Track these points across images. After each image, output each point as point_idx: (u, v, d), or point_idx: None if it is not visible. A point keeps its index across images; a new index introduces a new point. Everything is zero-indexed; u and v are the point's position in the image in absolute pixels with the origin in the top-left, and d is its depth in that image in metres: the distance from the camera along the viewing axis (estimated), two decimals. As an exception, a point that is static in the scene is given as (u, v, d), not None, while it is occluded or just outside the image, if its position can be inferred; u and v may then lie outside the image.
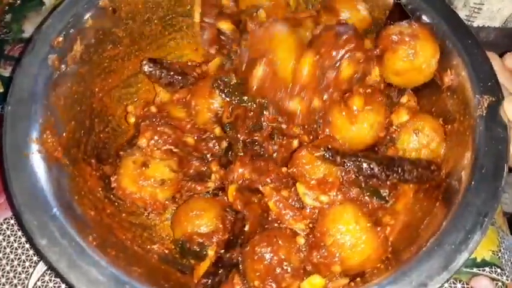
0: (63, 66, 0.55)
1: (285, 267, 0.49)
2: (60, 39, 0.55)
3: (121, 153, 0.59)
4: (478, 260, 0.56)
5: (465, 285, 0.55)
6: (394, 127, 0.57)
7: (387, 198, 0.54)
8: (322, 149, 0.52)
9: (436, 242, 0.45)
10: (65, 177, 0.51)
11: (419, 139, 0.54)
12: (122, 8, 0.61)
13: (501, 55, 0.57)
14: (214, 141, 0.61)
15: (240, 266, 0.51)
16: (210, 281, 0.48)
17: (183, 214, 0.55)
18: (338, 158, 0.52)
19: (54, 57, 0.54)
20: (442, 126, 0.55)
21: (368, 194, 0.53)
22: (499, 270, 0.56)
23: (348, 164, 0.52)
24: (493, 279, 0.55)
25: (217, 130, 0.61)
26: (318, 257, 0.49)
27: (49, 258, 0.43)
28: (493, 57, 0.54)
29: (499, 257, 0.57)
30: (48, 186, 0.48)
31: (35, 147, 0.50)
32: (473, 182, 0.47)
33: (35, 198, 0.46)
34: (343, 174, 0.53)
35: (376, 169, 0.52)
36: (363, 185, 0.53)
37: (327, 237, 0.49)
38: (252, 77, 0.58)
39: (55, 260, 0.43)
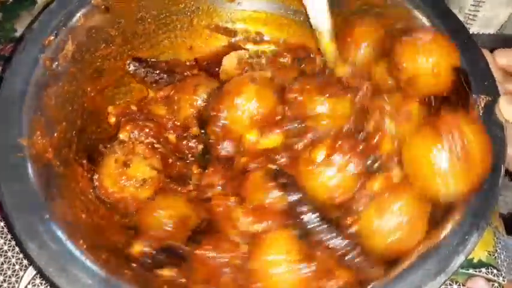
0: (54, 65, 0.54)
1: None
2: (52, 38, 0.54)
3: (103, 149, 0.59)
4: (474, 260, 0.56)
5: (461, 287, 0.54)
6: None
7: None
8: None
9: (432, 244, 0.44)
10: (55, 179, 0.50)
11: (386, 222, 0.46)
12: (115, 6, 0.60)
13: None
14: (195, 140, 0.60)
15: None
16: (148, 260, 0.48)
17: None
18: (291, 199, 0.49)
19: (46, 56, 0.53)
20: (426, 212, 0.47)
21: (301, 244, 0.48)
22: (495, 271, 0.55)
23: (300, 211, 0.48)
24: (489, 280, 0.55)
25: (196, 129, 0.61)
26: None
27: (38, 262, 0.42)
28: (484, 54, 0.54)
29: (495, 257, 0.56)
30: (38, 188, 0.47)
31: (25, 148, 0.49)
32: (470, 183, 0.47)
33: (24, 200, 0.45)
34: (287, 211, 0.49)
35: (320, 231, 0.48)
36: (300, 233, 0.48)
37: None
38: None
39: (44, 265, 0.42)
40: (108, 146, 0.58)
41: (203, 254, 0.49)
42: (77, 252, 0.44)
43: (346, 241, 0.47)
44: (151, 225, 0.53)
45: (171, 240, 0.51)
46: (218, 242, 0.50)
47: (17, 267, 0.56)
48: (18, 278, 0.56)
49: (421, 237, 0.46)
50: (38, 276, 0.56)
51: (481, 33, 0.72)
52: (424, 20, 0.57)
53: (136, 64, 0.63)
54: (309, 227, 0.48)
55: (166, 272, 0.49)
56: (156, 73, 0.63)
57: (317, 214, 0.48)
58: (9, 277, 0.56)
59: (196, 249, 0.50)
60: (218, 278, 0.49)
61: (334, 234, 0.47)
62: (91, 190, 0.55)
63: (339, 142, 0.49)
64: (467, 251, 0.43)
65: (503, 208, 0.83)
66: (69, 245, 0.44)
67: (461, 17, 0.69)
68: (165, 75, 0.63)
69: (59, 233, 0.44)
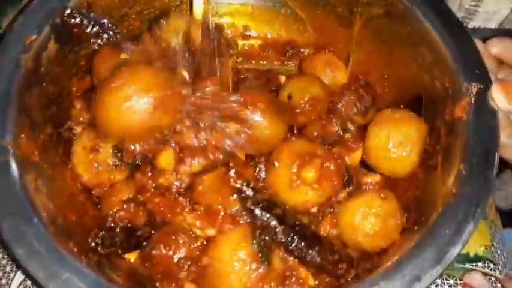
0: (37, 65, 0.53)
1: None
2: (34, 37, 0.53)
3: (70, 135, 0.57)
4: (471, 255, 0.55)
5: (458, 281, 0.54)
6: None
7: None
8: (242, 182, 0.49)
9: (429, 234, 0.44)
10: (43, 181, 0.49)
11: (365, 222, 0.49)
12: (98, 3, 0.58)
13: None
14: None
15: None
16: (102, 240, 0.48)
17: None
18: (249, 203, 0.48)
19: (28, 56, 0.52)
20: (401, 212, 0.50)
21: (256, 247, 0.47)
22: (491, 265, 0.55)
23: (256, 213, 0.48)
24: (486, 274, 0.54)
25: None
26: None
27: (27, 267, 0.41)
28: (477, 43, 0.54)
29: (492, 251, 0.56)
30: (24, 191, 0.45)
31: (9, 151, 0.47)
32: (464, 171, 0.46)
33: (10, 204, 0.44)
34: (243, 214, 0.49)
35: (279, 236, 0.47)
36: (257, 235, 0.48)
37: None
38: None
39: (34, 270, 0.41)
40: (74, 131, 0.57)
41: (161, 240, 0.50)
42: (68, 256, 0.42)
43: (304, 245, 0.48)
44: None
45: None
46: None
47: (7, 268, 0.55)
48: (9, 279, 0.54)
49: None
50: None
51: (482, 27, 0.71)
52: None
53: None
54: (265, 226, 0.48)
55: (131, 256, 0.50)
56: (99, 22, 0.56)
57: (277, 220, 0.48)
58: (0, 279, 0.54)
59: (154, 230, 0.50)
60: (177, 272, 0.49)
61: (296, 238, 0.48)
62: (80, 191, 0.54)
63: (327, 164, 0.50)
64: (464, 240, 0.43)
65: (503, 202, 0.82)
66: (60, 248, 0.43)
67: (461, 13, 0.70)
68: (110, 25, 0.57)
69: (48, 236, 0.43)
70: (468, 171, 0.46)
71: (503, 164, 0.54)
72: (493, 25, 0.72)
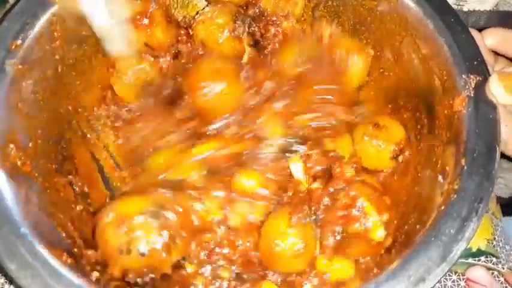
0: (23, 70, 0.51)
1: None
2: (18, 42, 0.51)
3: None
4: (473, 249, 0.55)
5: (461, 276, 0.53)
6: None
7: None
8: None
9: (432, 232, 0.43)
10: (34, 192, 0.47)
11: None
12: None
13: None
14: None
15: None
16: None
17: None
18: None
19: (13, 62, 0.50)
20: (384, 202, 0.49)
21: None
22: (494, 259, 0.54)
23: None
24: (488, 268, 0.54)
25: None
26: None
27: (20, 282, 0.40)
28: (473, 33, 0.52)
29: (494, 245, 0.56)
30: (14, 203, 0.44)
31: (-2, 161, 0.46)
32: (465, 167, 0.46)
33: (1, 218, 0.43)
34: None
35: None
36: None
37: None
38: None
39: (27, 285, 0.40)
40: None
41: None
42: (62, 269, 0.41)
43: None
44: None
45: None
46: None
47: (1, 280, 0.54)
48: (4, 290, 0.53)
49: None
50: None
51: (476, 9, 0.70)
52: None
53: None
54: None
55: None
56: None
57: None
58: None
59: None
60: None
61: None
62: (74, 201, 0.53)
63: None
64: (468, 238, 0.42)
65: (503, 192, 0.81)
66: (53, 261, 0.41)
67: None
68: None
69: (41, 249, 0.42)
70: (469, 166, 0.45)
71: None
72: (488, 7, 0.70)
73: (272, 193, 0.50)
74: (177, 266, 0.48)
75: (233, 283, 0.48)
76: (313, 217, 0.47)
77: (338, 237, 0.46)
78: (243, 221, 0.49)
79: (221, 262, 0.49)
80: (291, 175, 0.51)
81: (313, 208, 0.48)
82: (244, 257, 0.49)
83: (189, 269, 0.48)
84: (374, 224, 0.45)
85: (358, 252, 0.46)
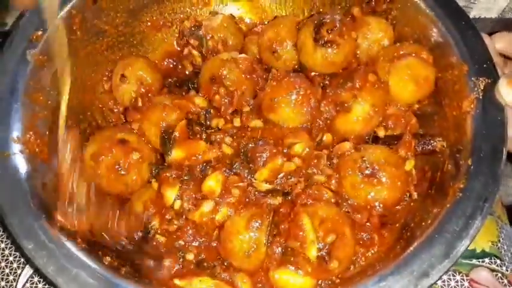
0: (44, 60, 0.53)
1: None
2: (40, 33, 0.53)
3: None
4: (478, 251, 0.55)
5: (465, 277, 0.54)
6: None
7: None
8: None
9: (436, 229, 0.44)
10: (51, 177, 0.49)
11: None
12: (103, -2, 0.58)
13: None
14: None
15: None
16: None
17: None
18: None
19: (34, 52, 0.52)
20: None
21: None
22: (498, 261, 0.55)
23: None
24: (492, 270, 0.54)
25: None
26: None
27: (36, 262, 0.41)
28: (484, 38, 0.53)
29: (499, 247, 0.56)
30: (32, 188, 0.46)
31: (17, 147, 0.48)
32: (471, 167, 0.46)
33: (19, 201, 0.44)
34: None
35: None
36: None
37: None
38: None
39: (42, 264, 0.41)
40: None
41: None
42: (76, 251, 0.43)
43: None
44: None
45: None
46: None
47: (14, 265, 0.55)
48: (16, 276, 0.55)
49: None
50: (36, 274, 0.55)
51: (482, 17, 0.71)
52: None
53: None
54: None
55: None
56: None
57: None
58: (7, 275, 0.55)
59: None
60: None
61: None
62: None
63: None
64: (471, 235, 0.43)
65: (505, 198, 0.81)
66: (68, 244, 0.43)
67: (462, 1, 0.69)
68: None
69: (57, 232, 0.43)
70: (476, 166, 0.46)
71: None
72: (493, 14, 0.71)
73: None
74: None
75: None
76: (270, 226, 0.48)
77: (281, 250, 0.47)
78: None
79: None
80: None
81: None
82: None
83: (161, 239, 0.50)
84: (310, 243, 0.45)
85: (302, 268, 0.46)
